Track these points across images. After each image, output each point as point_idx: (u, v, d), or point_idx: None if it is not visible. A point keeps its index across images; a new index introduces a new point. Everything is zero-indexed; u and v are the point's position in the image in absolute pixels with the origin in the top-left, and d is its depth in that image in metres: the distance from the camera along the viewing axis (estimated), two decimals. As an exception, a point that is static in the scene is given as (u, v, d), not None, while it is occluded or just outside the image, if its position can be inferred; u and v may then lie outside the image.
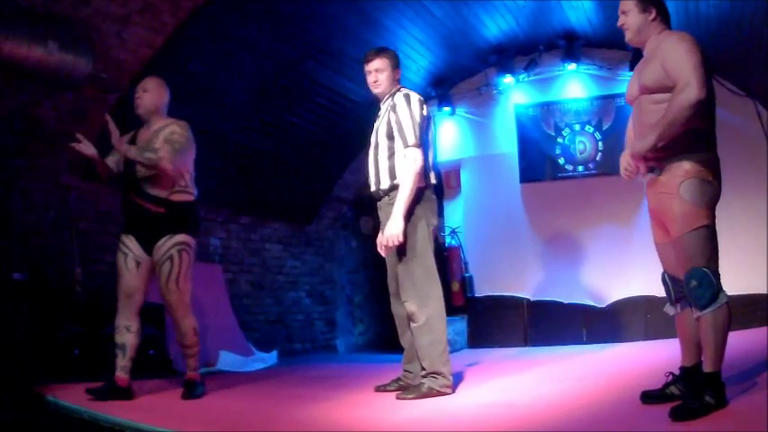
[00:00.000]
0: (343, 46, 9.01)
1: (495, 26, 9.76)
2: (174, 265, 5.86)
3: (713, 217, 4.38)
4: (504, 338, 10.54)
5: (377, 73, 6.06)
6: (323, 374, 7.73)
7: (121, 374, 5.63)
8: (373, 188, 6.05)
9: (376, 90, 6.13)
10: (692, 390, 4.41)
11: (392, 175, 5.80)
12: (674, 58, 4.36)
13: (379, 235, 5.84)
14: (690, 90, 4.21)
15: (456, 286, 11.06)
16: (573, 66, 10.18)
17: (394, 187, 5.76)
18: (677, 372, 4.75)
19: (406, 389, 5.83)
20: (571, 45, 10.14)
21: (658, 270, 4.72)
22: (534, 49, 10.18)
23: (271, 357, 9.38)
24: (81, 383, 5.51)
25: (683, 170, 4.33)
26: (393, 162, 5.82)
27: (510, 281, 10.74)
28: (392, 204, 5.71)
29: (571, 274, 9.80)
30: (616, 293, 9.89)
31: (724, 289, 4.28)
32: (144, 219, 5.87)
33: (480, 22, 9.66)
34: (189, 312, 6.09)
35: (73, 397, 5.10)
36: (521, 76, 10.88)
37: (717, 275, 4.27)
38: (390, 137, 5.84)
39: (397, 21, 9.09)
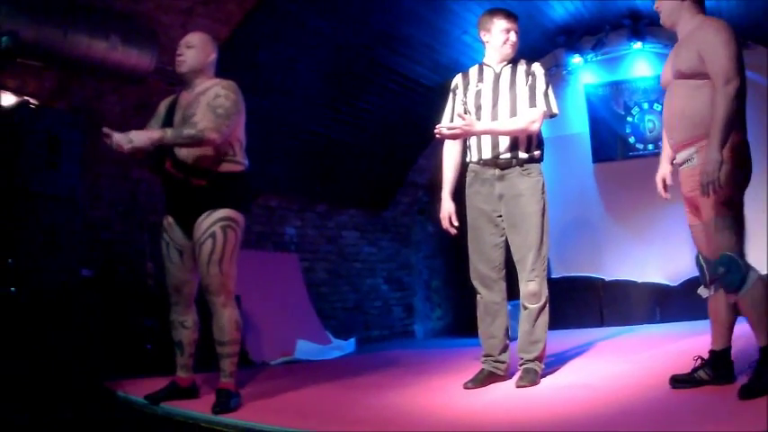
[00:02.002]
0: (412, 31, 8.98)
1: (561, 7, 9.70)
2: (217, 244, 4.96)
3: (742, 202, 4.41)
4: (580, 319, 10.47)
5: (517, 34, 5.73)
6: (402, 361, 7.71)
7: (182, 374, 5.21)
8: (505, 156, 5.56)
9: (510, 50, 5.73)
10: (721, 373, 4.54)
11: (529, 146, 5.57)
12: (713, 50, 4.37)
13: None
14: (734, 83, 4.28)
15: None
16: (639, 44, 10.10)
17: (532, 159, 5.57)
18: (706, 356, 4.72)
19: (492, 380, 5.64)
20: (636, 24, 10.05)
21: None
22: (601, 28, 10.11)
23: (348, 345, 9.41)
24: (153, 378, 5.52)
25: None
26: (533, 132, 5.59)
27: (584, 261, 10.72)
28: (525, 177, 5.52)
29: (644, 253, 9.78)
30: (688, 271, 9.41)
31: (754, 267, 4.26)
32: (183, 194, 5.14)
33: (546, 4, 9.60)
34: (231, 301, 5.11)
35: (145, 392, 5.06)
36: (589, 56, 10.84)
37: (742, 257, 4.28)
38: (531, 105, 5.57)
39: (464, 5, 9.00)
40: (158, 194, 7.81)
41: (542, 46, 10.85)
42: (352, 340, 9.61)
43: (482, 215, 5.67)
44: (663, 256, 9.84)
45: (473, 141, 5.71)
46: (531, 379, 5.38)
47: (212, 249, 4.93)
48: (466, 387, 5.60)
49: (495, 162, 5.57)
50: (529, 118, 5.47)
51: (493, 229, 5.65)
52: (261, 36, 7.66)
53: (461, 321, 12.85)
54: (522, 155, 5.53)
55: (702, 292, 4.69)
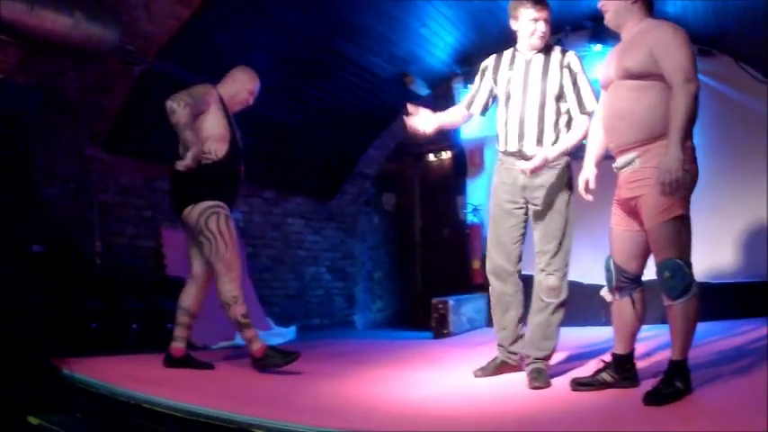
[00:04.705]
0: (370, 21, 8.90)
1: (523, 6, 9.54)
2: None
3: (688, 207, 4.36)
4: (524, 317, 10.44)
5: (546, 23, 5.56)
6: (342, 350, 7.74)
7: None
8: (531, 150, 5.46)
9: (539, 41, 5.57)
10: (627, 377, 4.68)
11: (557, 140, 5.46)
12: (671, 50, 4.34)
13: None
14: (691, 84, 4.21)
15: (476, 264, 11.03)
16: (599, 47, 9.90)
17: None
18: (608, 358, 4.82)
19: (504, 370, 5.70)
20: (598, 26, 9.92)
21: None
22: (561, 29, 9.99)
23: (289, 332, 9.40)
24: (97, 357, 5.51)
25: (658, 159, 4.27)
26: (559, 126, 5.50)
27: (529, 259, 10.48)
28: (552, 169, 5.45)
29: (590, 255, 9.32)
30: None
31: (696, 281, 4.30)
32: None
33: (508, 1, 9.48)
34: None
35: (89, 371, 5.05)
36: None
37: (689, 266, 4.30)
38: (559, 98, 5.48)
39: (425, -2, 9.00)
40: (111, 174, 7.75)
41: (500, 43, 10.81)
42: (293, 328, 9.59)
43: (504, 208, 5.63)
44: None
45: (500, 130, 5.62)
46: (545, 380, 5.24)
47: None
48: (476, 375, 5.69)
49: (520, 153, 5.51)
50: (584, 126, 5.38)
51: (513, 222, 5.62)
52: (220, 19, 7.57)
53: (401, 314, 12.90)
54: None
55: (606, 295, 4.81)
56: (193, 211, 5.85)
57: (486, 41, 9.64)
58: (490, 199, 5.78)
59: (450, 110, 5.99)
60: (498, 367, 5.74)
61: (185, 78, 7.38)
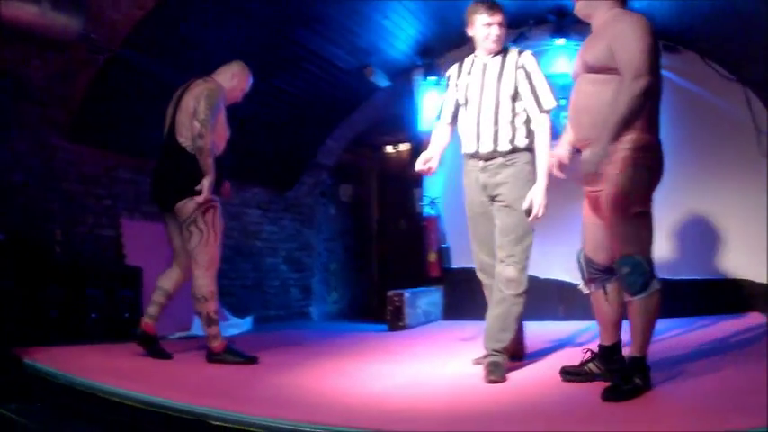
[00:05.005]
0: (333, 13, 8.86)
1: (488, -1, 9.53)
2: None
3: (649, 203, 4.39)
4: (480, 311, 10.40)
5: (500, 27, 5.63)
6: (298, 342, 7.73)
7: None
8: (488, 149, 5.59)
9: (494, 45, 5.67)
10: (612, 368, 4.56)
11: (513, 138, 5.55)
12: (625, 43, 4.31)
13: (534, 198, 5.37)
14: (644, 80, 4.18)
15: (433, 257, 10.99)
16: (562, 41, 9.89)
17: (515, 150, 5.55)
18: (596, 349, 4.85)
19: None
20: (561, 20, 9.94)
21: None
22: (524, 22, 10.04)
23: (245, 323, 9.36)
24: (57, 347, 5.47)
25: (620, 156, 4.30)
26: (515, 125, 5.58)
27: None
28: (508, 166, 5.54)
29: (549, 250, 9.26)
30: None
31: (657, 276, 4.31)
32: None
33: (469, -8, 9.49)
34: None
35: (50, 360, 5.03)
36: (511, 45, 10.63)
37: (649, 262, 4.30)
38: (515, 98, 5.58)
39: (388, -11, 8.99)
40: (74, 164, 7.67)
41: (462, 36, 10.78)
42: (249, 318, 9.56)
43: (475, 207, 5.75)
44: (568, 254, 9.69)
45: (461, 134, 5.77)
46: (501, 374, 5.25)
47: None
48: (476, 363, 5.74)
49: (477, 154, 5.63)
50: (546, 125, 5.53)
51: (486, 219, 5.72)
52: (184, 8, 7.49)
53: (356, 306, 12.89)
54: (504, 146, 5.55)
55: (582, 288, 4.92)
56: (190, 203, 5.86)
57: (448, 33, 9.67)
58: (465, 201, 5.87)
59: (437, 133, 6.04)
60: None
61: (149, 68, 7.33)
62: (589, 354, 4.87)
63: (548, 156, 5.41)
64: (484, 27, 5.62)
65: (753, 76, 9.14)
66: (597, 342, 4.87)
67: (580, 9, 4.79)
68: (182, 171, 5.86)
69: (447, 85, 6.03)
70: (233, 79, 6.33)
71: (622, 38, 4.32)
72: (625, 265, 4.30)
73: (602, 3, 4.64)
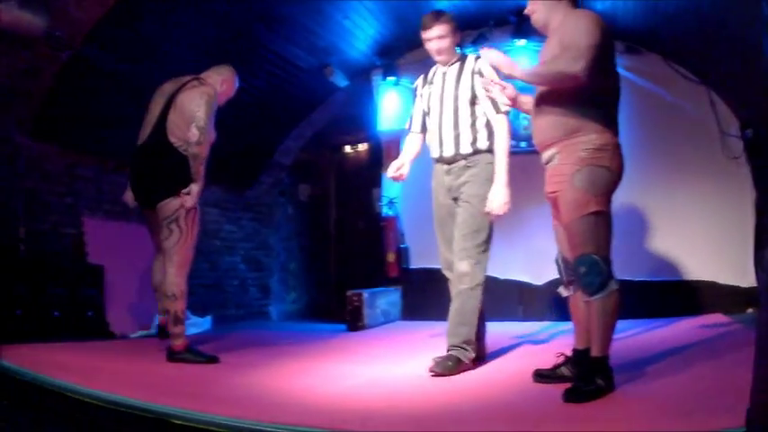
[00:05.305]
0: (293, 12, 8.85)
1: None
2: None
3: (607, 203, 4.39)
4: (439, 311, 10.41)
5: (439, 40, 5.88)
6: (258, 341, 7.72)
7: None
8: (450, 153, 5.84)
9: (438, 58, 5.97)
10: (582, 372, 4.47)
11: (474, 141, 5.76)
12: (571, 34, 4.35)
13: (490, 200, 5.60)
14: (576, 64, 4.21)
15: (391, 257, 11.01)
16: (522, 42, 9.86)
17: (476, 152, 5.74)
18: (569, 353, 4.85)
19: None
20: (522, 21, 9.90)
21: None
22: (485, 23, 10.07)
23: (205, 322, 9.32)
24: (21, 344, 5.45)
25: (577, 156, 4.35)
26: (476, 128, 5.77)
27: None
28: (471, 168, 5.73)
29: (508, 250, 9.46)
30: (553, 271, 9.53)
31: (615, 276, 4.33)
32: None
33: (429, -10, 9.51)
34: None
35: (14, 358, 5.01)
36: (468, 50, 10.58)
37: (607, 262, 4.31)
38: (473, 102, 5.77)
39: (348, -12, 8.99)
40: (37, 161, 7.61)
41: (420, 36, 10.86)
42: (209, 318, 9.51)
43: (441, 208, 5.96)
44: (528, 254, 9.80)
45: (428, 140, 6.04)
46: (447, 367, 5.38)
47: None
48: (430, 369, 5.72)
49: (441, 158, 5.88)
50: (504, 125, 5.71)
51: (452, 220, 5.86)
52: (144, 5, 7.44)
53: (315, 305, 12.88)
54: (465, 149, 5.77)
55: (562, 291, 4.85)
56: (174, 202, 5.94)
57: (407, 33, 9.66)
58: (432, 201, 6.07)
59: (408, 142, 6.27)
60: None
61: (111, 66, 7.29)
62: (562, 357, 4.87)
63: (506, 156, 5.61)
64: (425, 42, 5.94)
65: (717, 77, 9.22)
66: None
67: (537, 20, 4.85)
68: (170, 170, 5.92)
69: (414, 96, 6.26)
70: (222, 84, 6.46)
71: (571, 30, 4.37)
72: (581, 265, 4.32)
73: (557, 10, 4.69)
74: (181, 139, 5.96)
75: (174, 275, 5.98)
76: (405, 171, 5.99)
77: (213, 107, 6.13)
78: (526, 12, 4.89)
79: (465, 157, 5.78)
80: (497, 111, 5.70)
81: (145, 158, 6.15)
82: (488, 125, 5.76)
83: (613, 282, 4.28)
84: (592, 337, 4.37)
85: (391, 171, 5.97)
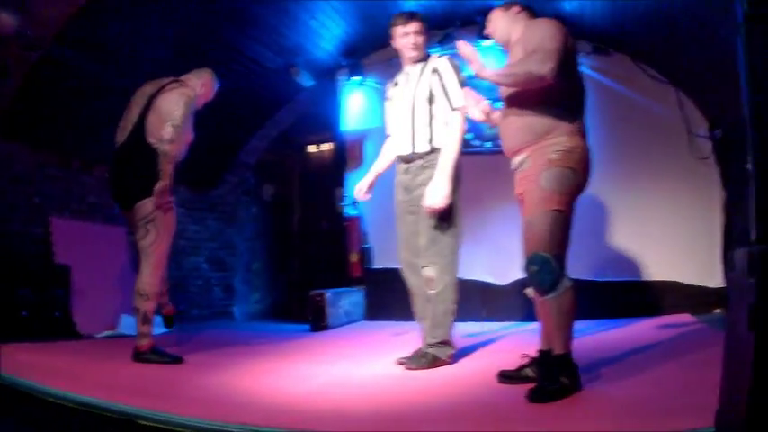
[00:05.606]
0: (260, 12, 8.84)
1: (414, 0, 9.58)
2: None
3: (569, 204, 4.42)
4: (401, 311, 10.41)
5: (416, 35, 5.98)
6: (223, 342, 7.69)
7: None
8: (407, 151, 5.96)
9: (413, 53, 6.02)
10: (546, 372, 4.48)
11: (431, 139, 5.83)
12: (536, 39, 4.40)
13: (426, 195, 5.69)
14: (545, 65, 4.25)
15: (354, 257, 11.06)
16: (488, 42, 9.61)
17: (433, 150, 5.79)
18: (535, 353, 4.83)
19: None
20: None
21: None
22: (451, 23, 10.10)
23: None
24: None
25: (545, 159, 4.38)
26: (432, 126, 5.84)
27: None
28: (427, 168, 5.78)
29: (472, 251, 9.10)
30: (517, 272, 8.97)
31: (567, 274, 4.37)
32: None
33: (396, -9, 9.53)
34: None
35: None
36: (435, 51, 10.54)
37: (559, 261, 4.34)
38: (430, 101, 5.84)
39: (316, -12, 8.99)
40: (5, 161, 7.56)
41: (387, 36, 10.82)
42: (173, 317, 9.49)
43: (400, 206, 6.06)
44: (492, 255, 9.87)
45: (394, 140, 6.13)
46: (420, 363, 5.58)
47: None
48: (399, 362, 5.88)
49: (401, 158, 6.00)
50: (458, 122, 5.78)
51: (412, 219, 5.93)
52: (113, 5, 7.42)
53: (278, 306, 12.85)
54: (422, 148, 5.85)
55: (529, 292, 4.78)
56: (149, 203, 5.98)
57: (373, 33, 9.67)
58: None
59: (385, 147, 6.43)
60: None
61: (80, 66, 7.25)
62: (527, 358, 4.87)
63: (453, 151, 5.69)
64: (401, 37, 6.00)
65: (685, 78, 9.29)
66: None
67: (499, 38, 4.97)
68: (147, 171, 5.94)
69: (385, 100, 6.37)
70: (202, 87, 6.53)
71: (535, 35, 4.43)
72: (532, 264, 4.35)
73: (515, 22, 4.80)
74: (158, 139, 5.98)
75: (148, 275, 6.05)
76: (366, 196, 6.30)
77: (191, 109, 6.20)
78: (487, 32, 5.00)
79: (421, 156, 5.87)
80: (451, 107, 5.79)
81: (123, 159, 6.17)
82: (446, 124, 5.84)
83: (566, 280, 4.32)
84: (551, 336, 4.41)
85: (356, 193, 6.24)
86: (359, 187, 6.34)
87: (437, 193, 5.58)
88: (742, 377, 2.58)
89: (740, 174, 2.77)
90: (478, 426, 3.81)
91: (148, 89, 6.28)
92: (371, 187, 6.35)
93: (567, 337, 4.33)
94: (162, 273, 6.23)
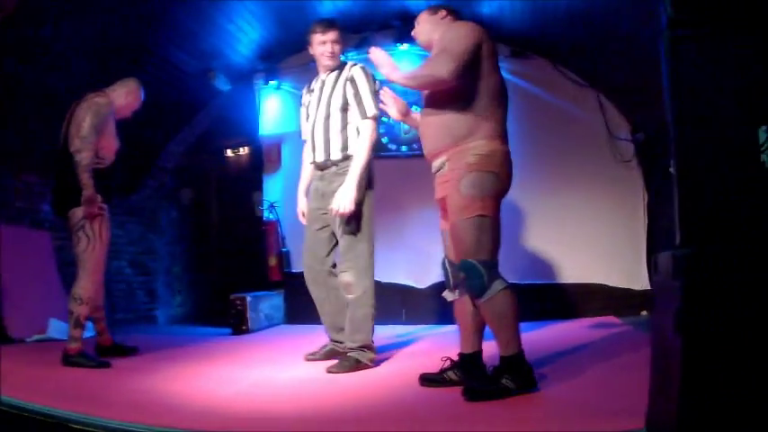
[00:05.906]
0: (179, 15, 8.90)
1: (330, 3, 9.69)
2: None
3: (494, 208, 4.46)
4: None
5: (334, 44, 6.11)
6: (148, 346, 7.62)
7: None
8: (321, 158, 6.09)
9: (330, 62, 6.16)
10: (473, 374, 4.68)
11: (345, 147, 5.97)
12: (446, 41, 4.51)
13: (334, 201, 5.83)
14: (445, 68, 4.36)
15: (273, 261, 11.05)
16: (405, 46, 10.04)
17: (346, 158, 5.92)
18: (456, 357, 4.93)
19: (335, 357, 5.99)
20: (405, 26, 9.96)
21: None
22: (367, 27, 10.26)
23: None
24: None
25: (465, 163, 4.45)
26: (346, 134, 5.98)
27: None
28: (341, 174, 5.87)
29: (391, 254, 9.50)
30: (436, 275, 9.23)
31: (502, 277, 4.43)
32: None
33: (317, -1, 9.52)
34: None
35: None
36: (350, 54, 10.51)
37: (488, 265, 4.37)
38: (344, 109, 5.98)
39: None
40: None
41: (304, 40, 10.86)
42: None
43: (311, 211, 6.20)
44: (410, 258, 9.99)
45: (308, 146, 6.26)
46: (344, 366, 5.69)
47: None
48: (307, 359, 6.22)
49: (316, 164, 6.14)
50: (369, 129, 5.94)
51: (320, 225, 6.13)
52: (45, 10, 7.37)
53: (200, 309, 12.82)
54: (336, 155, 6.00)
55: (447, 295, 4.90)
56: (79, 211, 6.16)
57: (290, 37, 9.74)
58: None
59: (304, 153, 6.56)
60: (328, 353, 6.24)
61: (10, 69, 7.22)
62: (448, 362, 4.93)
63: (363, 158, 5.81)
64: (319, 45, 6.12)
65: (606, 81, 9.42)
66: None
67: (423, 41, 5.06)
68: (73, 180, 6.09)
69: (300, 105, 6.53)
70: (127, 96, 6.72)
71: (447, 38, 4.54)
72: (462, 270, 4.44)
73: (438, 25, 4.90)
74: (73, 150, 6.14)
75: (84, 280, 6.20)
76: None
77: (102, 117, 6.31)
78: (413, 34, 5.12)
79: (336, 162, 6.01)
80: (363, 116, 5.94)
81: (56, 169, 6.37)
82: (358, 132, 5.98)
83: (498, 282, 4.37)
84: (495, 338, 4.45)
85: (300, 218, 6.48)
86: (299, 212, 6.52)
87: (344, 198, 5.71)
88: (670, 379, 2.66)
89: (663, 176, 2.86)
90: (408, 426, 3.92)
91: (74, 104, 6.46)
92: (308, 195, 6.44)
93: (510, 338, 4.38)
94: (98, 278, 6.39)
